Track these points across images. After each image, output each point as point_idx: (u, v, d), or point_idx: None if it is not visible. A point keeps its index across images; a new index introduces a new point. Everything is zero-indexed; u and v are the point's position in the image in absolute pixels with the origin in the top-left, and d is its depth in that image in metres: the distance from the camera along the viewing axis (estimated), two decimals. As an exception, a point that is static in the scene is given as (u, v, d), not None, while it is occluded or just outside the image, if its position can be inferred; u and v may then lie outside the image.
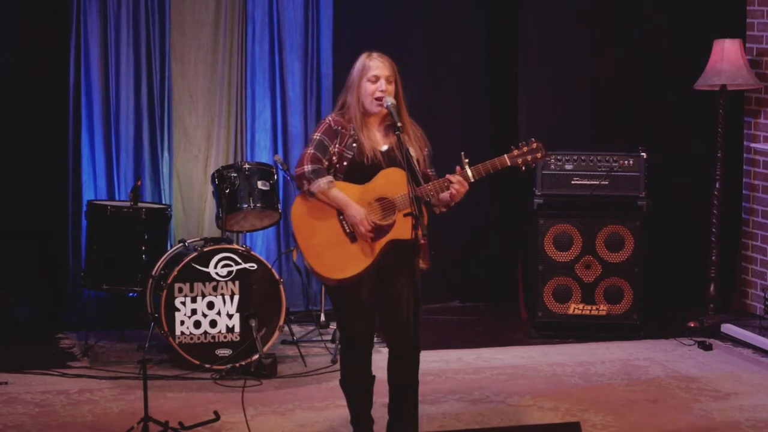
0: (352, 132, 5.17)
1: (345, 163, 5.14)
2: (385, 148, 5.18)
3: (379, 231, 5.11)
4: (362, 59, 5.19)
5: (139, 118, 7.71)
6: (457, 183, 5.11)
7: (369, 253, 5.10)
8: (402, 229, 5.06)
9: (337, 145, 5.17)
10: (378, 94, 5.12)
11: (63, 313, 7.62)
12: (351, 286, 5.13)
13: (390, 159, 5.16)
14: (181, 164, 7.91)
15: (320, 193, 5.09)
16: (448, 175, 5.13)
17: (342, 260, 5.10)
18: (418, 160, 5.16)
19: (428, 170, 5.27)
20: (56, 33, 7.54)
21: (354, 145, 5.15)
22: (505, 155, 5.20)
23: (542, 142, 5.24)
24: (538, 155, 5.23)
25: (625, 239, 7.44)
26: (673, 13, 8.03)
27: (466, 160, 5.11)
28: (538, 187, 7.48)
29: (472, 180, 5.12)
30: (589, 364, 6.90)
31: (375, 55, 5.19)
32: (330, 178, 5.11)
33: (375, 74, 5.14)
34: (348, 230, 5.11)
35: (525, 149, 5.22)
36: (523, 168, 5.24)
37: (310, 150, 5.15)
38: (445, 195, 5.14)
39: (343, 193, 5.10)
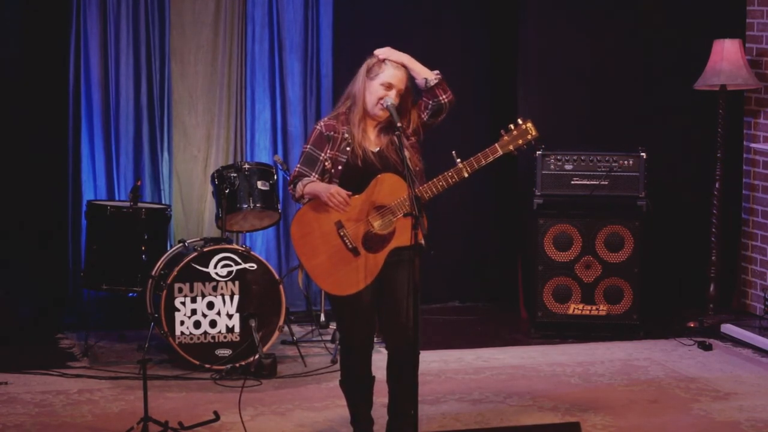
0: (345, 135, 5.15)
1: (340, 167, 5.12)
2: (376, 149, 5.16)
3: (381, 241, 5.09)
4: (378, 61, 5.13)
5: (138, 118, 7.71)
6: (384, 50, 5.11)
7: (374, 265, 5.08)
8: (403, 236, 5.04)
9: (329, 151, 5.15)
10: (383, 100, 5.09)
11: (63, 313, 7.62)
12: (351, 290, 5.14)
13: (382, 160, 5.13)
14: (181, 164, 7.91)
15: (300, 197, 5.11)
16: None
17: (348, 277, 5.08)
18: (411, 159, 5.12)
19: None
20: (56, 33, 7.53)
21: (348, 148, 5.13)
22: (497, 144, 5.10)
23: (531, 119, 5.14)
24: (529, 136, 5.12)
25: (625, 239, 7.44)
26: (673, 13, 8.03)
27: (458, 159, 5.08)
28: (538, 187, 7.48)
29: (467, 176, 5.08)
30: (589, 364, 6.90)
31: (391, 61, 5.14)
32: (308, 179, 5.11)
33: (390, 82, 5.10)
34: (351, 245, 5.08)
35: (515, 132, 5.12)
36: (516, 152, 5.16)
37: (298, 167, 5.18)
38: (420, 82, 5.12)
39: (313, 183, 5.08)
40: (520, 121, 5.16)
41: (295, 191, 5.14)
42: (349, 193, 5.04)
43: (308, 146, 5.19)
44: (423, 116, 5.19)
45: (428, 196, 5.06)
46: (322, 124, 5.20)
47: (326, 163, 5.14)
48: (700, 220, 7.91)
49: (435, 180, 5.07)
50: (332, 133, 5.16)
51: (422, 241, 5.02)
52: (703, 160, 7.92)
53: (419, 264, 4.99)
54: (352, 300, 5.13)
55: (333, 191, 5.01)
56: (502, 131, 5.14)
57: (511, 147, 5.13)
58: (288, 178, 7.34)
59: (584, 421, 5.78)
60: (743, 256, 8.11)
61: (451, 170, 5.07)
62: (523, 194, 7.75)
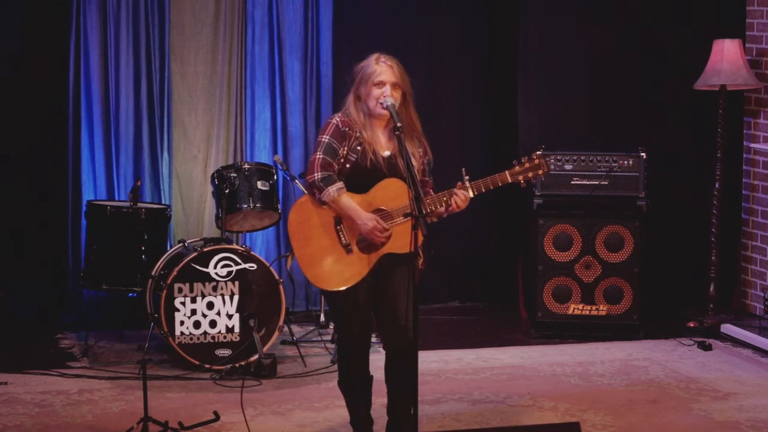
0: (357, 134, 5.13)
1: (348, 166, 5.11)
2: (387, 153, 5.15)
3: (375, 244, 5.09)
4: (371, 62, 5.12)
5: (138, 118, 7.71)
6: (461, 199, 5.08)
7: (363, 266, 5.07)
8: (398, 242, 5.03)
9: (345, 147, 5.13)
10: (382, 99, 5.09)
11: (63, 313, 7.62)
12: (347, 289, 5.11)
13: (391, 165, 5.12)
14: (181, 164, 7.90)
15: (331, 201, 5.05)
16: (453, 190, 5.08)
17: (335, 272, 5.07)
18: (417, 170, 5.11)
19: (426, 178, 5.24)
20: (56, 33, 7.54)
21: (358, 148, 5.11)
22: (507, 172, 5.15)
23: (544, 158, 5.21)
24: (540, 171, 5.18)
25: (625, 239, 7.44)
26: (673, 13, 8.03)
27: (467, 177, 5.10)
28: (538, 187, 7.48)
29: (472, 196, 5.11)
30: (589, 364, 6.90)
31: (383, 59, 5.13)
32: (340, 184, 5.05)
33: (381, 80, 5.08)
34: (345, 242, 5.08)
35: (527, 165, 5.18)
36: (524, 184, 5.20)
37: (320, 155, 5.08)
38: (440, 208, 5.12)
39: (352, 201, 5.06)
40: (534, 156, 5.20)
41: (323, 194, 5.04)
42: (389, 234, 5.04)
43: (326, 137, 5.11)
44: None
45: (430, 210, 5.05)
46: (338, 119, 5.15)
47: (341, 159, 5.13)
48: (700, 220, 7.91)
49: (440, 194, 5.08)
50: (347, 129, 5.13)
51: (421, 246, 5.02)
52: (703, 160, 7.92)
53: (418, 265, 4.99)
54: (347, 298, 5.12)
55: (375, 227, 5.00)
56: (515, 162, 5.19)
57: (520, 177, 5.18)
58: (287, 178, 7.38)
59: (584, 421, 5.78)
60: (743, 256, 8.11)
61: (458, 189, 5.08)
62: (523, 194, 7.74)
